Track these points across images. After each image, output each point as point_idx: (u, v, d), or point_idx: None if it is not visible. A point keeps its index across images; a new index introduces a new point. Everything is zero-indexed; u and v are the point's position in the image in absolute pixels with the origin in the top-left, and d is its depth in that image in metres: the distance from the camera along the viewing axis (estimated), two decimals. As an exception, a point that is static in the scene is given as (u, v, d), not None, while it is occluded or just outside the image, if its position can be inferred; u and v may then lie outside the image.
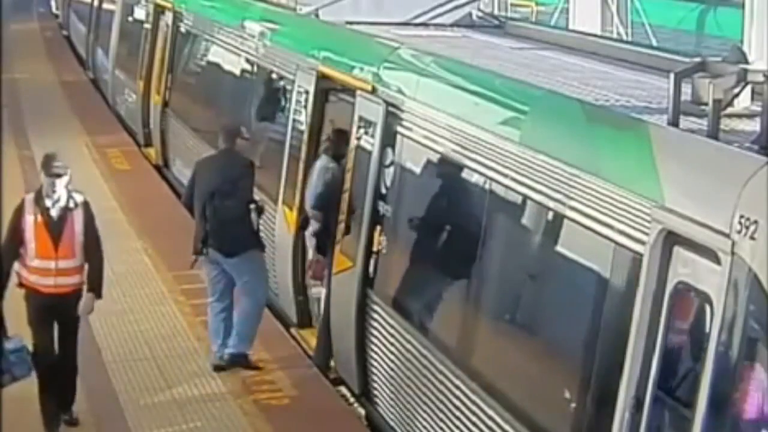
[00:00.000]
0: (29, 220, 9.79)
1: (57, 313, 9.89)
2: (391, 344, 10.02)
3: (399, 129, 10.36)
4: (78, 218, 9.88)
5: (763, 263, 5.64)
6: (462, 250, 9.25)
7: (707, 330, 5.95)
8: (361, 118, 11.01)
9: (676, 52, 11.02)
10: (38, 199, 9.87)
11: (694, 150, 6.58)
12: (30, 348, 9.72)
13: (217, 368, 11.29)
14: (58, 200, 9.82)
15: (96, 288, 10.02)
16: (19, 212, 9.86)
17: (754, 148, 6.32)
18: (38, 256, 9.80)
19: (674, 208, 6.34)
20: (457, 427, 8.69)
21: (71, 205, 9.87)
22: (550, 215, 7.87)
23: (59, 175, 9.80)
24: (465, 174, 9.19)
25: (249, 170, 11.42)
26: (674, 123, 6.95)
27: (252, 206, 11.23)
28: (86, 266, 9.96)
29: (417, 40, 11.92)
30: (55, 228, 9.79)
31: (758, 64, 7.33)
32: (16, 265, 9.88)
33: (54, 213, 9.81)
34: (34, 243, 9.78)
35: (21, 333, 9.80)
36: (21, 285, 9.90)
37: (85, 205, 9.99)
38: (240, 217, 11.20)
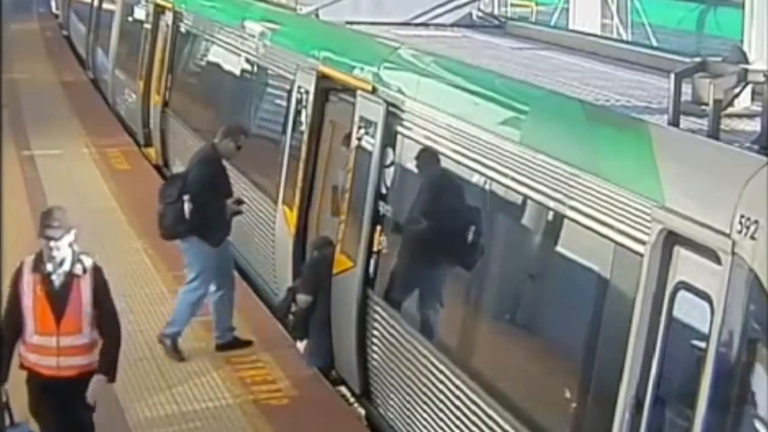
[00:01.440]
0: (27, 288, 8.33)
1: (63, 401, 8.44)
2: (392, 344, 10.02)
3: (399, 129, 10.36)
4: (85, 287, 8.34)
5: (763, 263, 5.64)
6: (462, 250, 9.26)
7: (707, 330, 5.95)
8: (361, 118, 11.01)
9: (676, 52, 11.02)
10: (38, 263, 8.35)
11: (695, 150, 6.58)
12: None
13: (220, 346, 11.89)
14: (61, 264, 8.31)
15: (109, 370, 8.53)
16: (17, 277, 8.40)
17: (754, 148, 6.33)
18: (38, 332, 8.32)
19: (675, 208, 6.34)
20: (458, 427, 8.68)
21: (77, 270, 8.34)
22: (551, 215, 7.87)
23: (56, 238, 8.24)
24: (465, 174, 9.19)
25: (199, 167, 11.83)
26: (674, 123, 6.95)
27: (185, 197, 11.52)
28: (98, 346, 8.52)
29: (417, 40, 11.93)
30: (57, 298, 8.28)
31: (758, 64, 7.32)
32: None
33: (56, 280, 8.31)
34: (33, 316, 8.32)
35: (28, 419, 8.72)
36: (22, 366, 8.56)
37: (95, 271, 8.44)
38: (170, 203, 11.66)
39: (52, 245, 8.25)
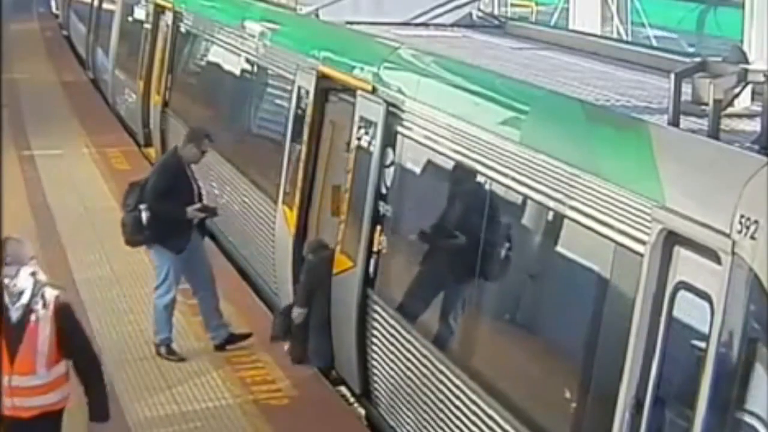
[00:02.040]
0: None
1: None
2: (392, 344, 10.02)
3: (399, 129, 10.36)
4: (44, 322, 7.65)
5: (763, 263, 5.64)
6: (462, 251, 9.26)
7: (707, 330, 5.95)
8: (361, 118, 11.01)
9: (676, 52, 11.02)
10: None
11: (695, 150, 6.58)
12: None
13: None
14: (19, 297, 7.65)
15: (100, 412, 7.89)
16: None
17: (754, 148, 6.33)
18: None
19: (675, 208, 6.34)
20: (458, 427, 8.68)
21: (36, 305, 7.64)
22: (551, 215, 7.87)
23: (10, 276, 7.58)
24: (465, 174, 9.19)
25: (156, 176, 11.99)
26: (674, 123, 6.95)
27: (142, 206, 11.61)
28: (65, 383, 7.91)
29: (417, 40, 11.93)
30: (12, 334, 7.61)
31: (758, 64, 7.33)
32: None
33: (13, 314, 7.64)
34: None
35: None
36: None
37: (59, 305, 7.74)
38: (130, 212, 11.81)
39: (7, 282, 7.62)
